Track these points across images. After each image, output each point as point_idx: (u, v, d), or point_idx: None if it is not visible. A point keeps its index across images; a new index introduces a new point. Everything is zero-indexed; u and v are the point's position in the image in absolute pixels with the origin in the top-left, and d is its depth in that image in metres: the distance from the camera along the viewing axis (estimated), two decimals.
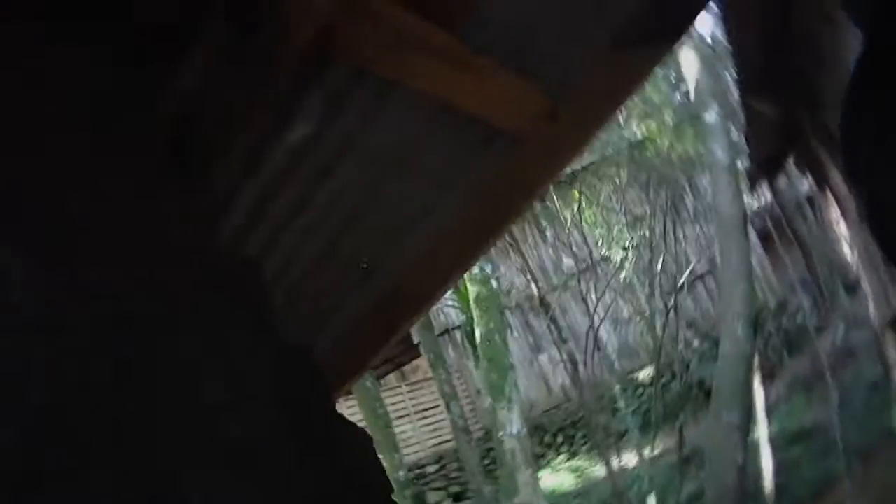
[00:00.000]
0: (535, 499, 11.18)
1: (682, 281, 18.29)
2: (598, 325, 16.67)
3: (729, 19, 5.74)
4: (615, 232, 19.04)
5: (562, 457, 19.45)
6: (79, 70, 2.13)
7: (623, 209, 18.63)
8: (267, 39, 2.66)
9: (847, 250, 10.93)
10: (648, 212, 18.27)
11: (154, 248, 1.98)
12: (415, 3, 2.99)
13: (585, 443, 18.81)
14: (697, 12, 4.60)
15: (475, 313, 12.17)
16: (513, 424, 11.13)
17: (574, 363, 15.31)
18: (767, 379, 15.83)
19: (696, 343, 19.48)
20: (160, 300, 1.87)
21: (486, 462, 16.53)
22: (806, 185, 19.33)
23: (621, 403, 16.80)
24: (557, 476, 18.05)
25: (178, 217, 2.17)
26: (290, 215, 3.53)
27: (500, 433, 11.07)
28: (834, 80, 6.19)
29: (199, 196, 2.36)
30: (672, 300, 17.94)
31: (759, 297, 17.97)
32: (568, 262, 19.60)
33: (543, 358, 20.58)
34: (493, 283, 12.45)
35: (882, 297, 8.58)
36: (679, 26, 4.10)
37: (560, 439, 19.64)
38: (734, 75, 7.94)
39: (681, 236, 19.27)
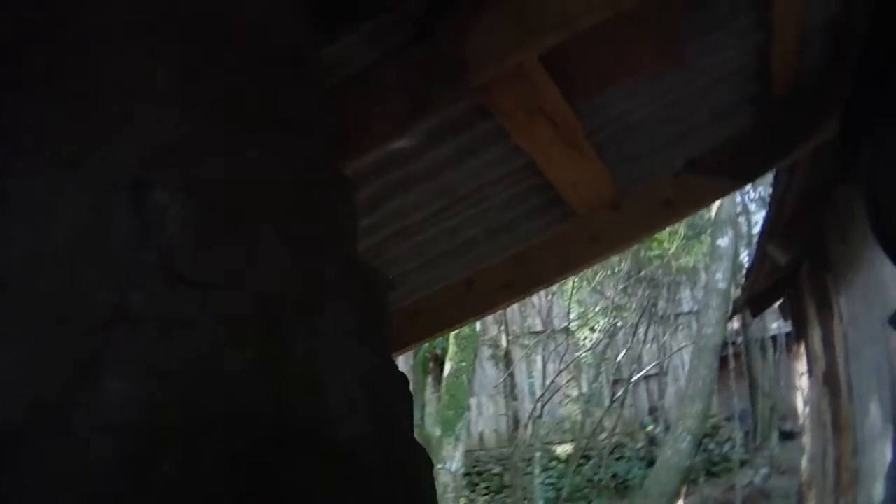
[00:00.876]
0: None
1: (634, 378, 18.54)
2: (548, 396, 16.77)
3: (778, 176, 6.09)
4: (590, 313, 19.18)
5: (462, 500, 19.41)
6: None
7: (608, 295, 18.76)
8: (444, 67, 2.86)
9: (800, 402, 11.22)
10: (630, 306, 18.50)
11: (309, 238, 1.96)
12: (558, 71, 3.29)
13: (487, 491, 18.84)
14: (769, 169, 4.97)
15: (451, 347, 12.44)
16: (454, 461, 11.40)
17: (517, 421, 15.49)
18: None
19: (623, 439, 19.60)
20: (305, 293, 1.85)
21: None
22: (775, 326, 19.74)
23: (536, 471, 16.94)
24: None
25: (331, 208, 2.17)
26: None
27: (440, 465, 11.20)
28: (847, 249, 6.59)
29: (345, 190, 2.36)
30: (614, 391, 18.25)
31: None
32: (533, 321, 19.70)
33: (472, 401, 20.48)
34: (478, 324, 12.67)
35: (819, 458, 8.85)
36: (749, 173, 4.48)
37: (476, 481, 19.63)
38: (764, 217, 8.25)
39: (649, 337, 19.45)
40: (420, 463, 2.13)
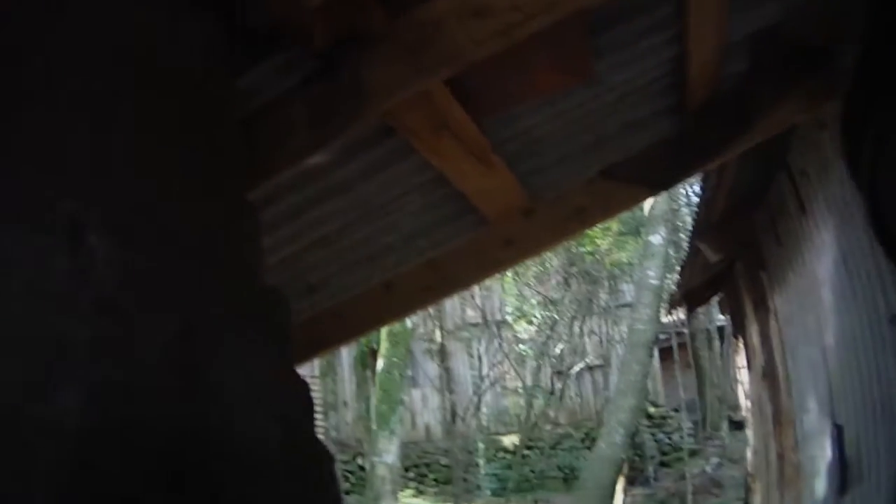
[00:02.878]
0: None
1: (575, 369, 18.68)
2: (487, 388, 16.84)
3: (707, 177, 6.14)
4: (525, 306, 19.26)
5: (409, 491, 19.51)
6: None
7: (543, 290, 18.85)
8: (347, 88, 2.87)
9: (742, 395, 11.36)
10: (565, 300, 18.59)
11: (220, 262, 2.18)
12: (461, 92, 3.34)
13: (435, 483, 18.91)
14: (685, 178, 5.03)
15: (384, 343, 12.50)
16: (390, 454, 11.50)
17: (454, 414, 15.57)
18: (629, 485, 16.26)
19: (569, 429, 19.72)
20: (217, 314, 2.04)
21: (346, 482, 16.65)
22: (721, 317, 19.93)
23: (482, 461, 17.02)
24: None
25: (238, 233, 2.36)
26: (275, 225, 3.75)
27: (376, 458, 11.39)
28: (781, 251, 6.67)
29: (250, 215, 2.51)
30: (557, 382, 18.37)
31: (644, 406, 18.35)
32: (471, 313, 19.70)
33: (416, 393, 20.55)
34: (409, 321, 12.76)
35: (762, 451, 8.97)
36: (664, 182, 4.53)
37: (411, 474, 19.70)
38: (693, 216, 8.33)
39: (586, 329, 19.58)
40: (321, 459, 2.31)
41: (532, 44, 3.09)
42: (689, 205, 19.52)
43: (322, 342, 4.98)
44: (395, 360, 12.25)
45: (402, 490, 18.28)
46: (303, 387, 2.35)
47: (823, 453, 5.78)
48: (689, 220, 19.07)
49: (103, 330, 1.74)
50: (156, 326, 1.85)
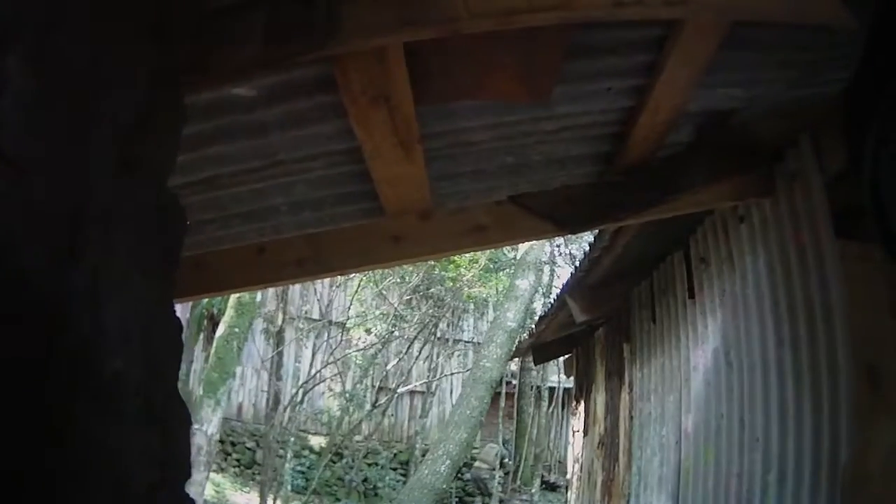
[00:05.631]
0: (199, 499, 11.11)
1: (401, 389, 18.64)
2: (311, 385, 16.65)
3: (600, 236, 6.11)
4: (369, 314, 19.17)
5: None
6: None
7: (392, 302, 18.78)
8: (320, 16, 2.70)
9: (570, 459, 11.45)
10: (411, 319, 18.54)
11: (132, 154, 1.90)
12: (417, 67, 3.15)
13: (237, 464, 18.60)
14: (593, 227, 4.98)
15: (229, 311, 12.16)
16: (212, 424, 11.11)
17: (277, 401, 15.34)
18: None
19: (378, 446, 19.65)
20: (111, 208, 1.78)
21: None
22: (554, 378, 20.20)
23: (289, 455, 16.80)
24: None
25: (162, 131, 2.14)
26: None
27: (197, 426, 10.92)
28: (654, 328, 6.69)
29: (179, 118, 2.30)
30: (377, 398, 18.32)
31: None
32: (311, 307, 19.46)
33: (237, 370, 20.09)
34: (259, 294, 12.42)
35: None
36: (573, 225, 4.45)
37: (229, 451, 19.31)
38: (572, 271, 8.32)
39: (423, 355, 19.56)
40: (179, 416, 2.13)
41: (506, 45, 3.08)
42: (552, 263, 19.66)
43: (177, 291, 4.66)
44: (236, 330, 11.88)
45: (213, 465, 17.97)
46: (176, 328, 2.15)
47: None
48: (554, 276, 19.39)
49: None
50: (42, 195, 1.54)
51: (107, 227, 1.73)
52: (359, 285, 18.07)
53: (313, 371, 16.58)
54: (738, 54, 3.48)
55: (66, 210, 1.59)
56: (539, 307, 15.96)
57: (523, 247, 14.55)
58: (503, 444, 20.05)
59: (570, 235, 6.08)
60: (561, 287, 9.21)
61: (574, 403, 11.17)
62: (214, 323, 15.04)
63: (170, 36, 2.17)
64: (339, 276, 16.62)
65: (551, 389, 21.36)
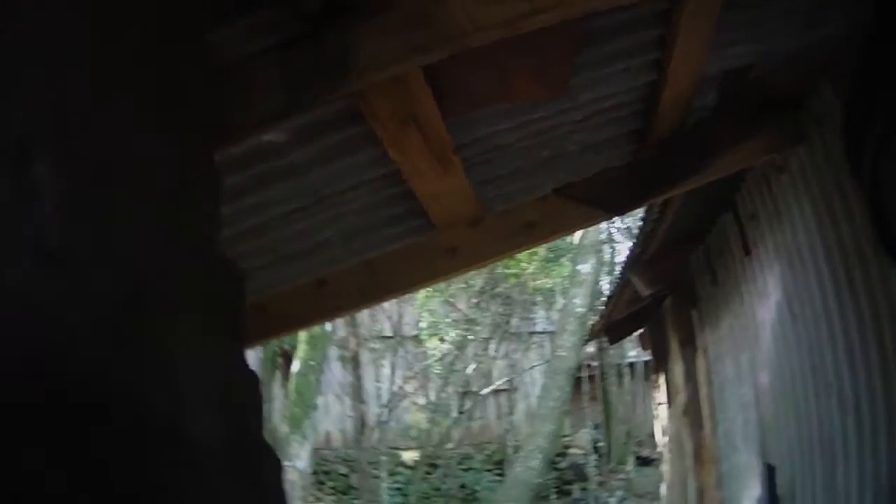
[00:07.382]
0: None
1: (484, 391, 18.63)
2: (395, 402, 16.70)
3: (649, 210, 6.11)
4: (440, 323, 19.17)
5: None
6: None
7: (460, 307, 18.74)
8: (331, 56, 2.74)
9: (658, 432, 11.40)
10: (482, 320, 18.53)
11: (178, 224, 1.91)
12: (433, 85, 3.19)
13: (333, 491, 18.70)
14: (639, 205, 4.99)
15: (301, 345, 12.24)
16: (301, 459, 11.23)
17: (363, 424, 15.41)
18: None
19: (470, 451, 19.62)
20: (168, 283, 1.79)
21: None
22: (633, 353, 20.06)
23: (383, 475, 16.86)
24: None
25: (201, 197, 2.11)
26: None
27: (287, 462, 11.03)
28: (717, 291, 6.68)
29: (216, 179, 2.26)
30: (463, 403, 18.31)
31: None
32: (382, 326, 19.32)
33: (320, 400, 20.13)
34: (328, 325, 12.51)
35: (678, 486, 9.00)
36: (618, 207, 4.47)
37: (322, 480, 19.41)
38: (630, 248, 8.33)
39: (500, 353, 19.53)
40: (268, 465, 2.08)
41: (518, 47, 3.05)
42: (610, 241, 19.61)
43: (258, 335, 4.82)
44: (311, 363, 11.98)
45: (310, 497, 18.09)
46: (253, 381, 2.13)
47: (750, 492, 5.80)
48: (615, 253, 19.31)
49: (40, 279, 1.43)
50: (101, 288, 1.54)
51: (165, 299, 1.76)
52: (426, 297, 18.08)
53: (394, 388, 16.63)
54: (742, 12, 3.51)
55: (123, 293, 1.62)
56: (606, 286, 15.95)
57: (579, 232, 14.50)
58: (594, 428, 19.99)
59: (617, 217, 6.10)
60: (622, 264, 9.22)
61: (654, 376, 11.14)
62: (288, 358, 15.15)
63: (195, 95, 2.20)
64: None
65: (631, 365, 21.22)
